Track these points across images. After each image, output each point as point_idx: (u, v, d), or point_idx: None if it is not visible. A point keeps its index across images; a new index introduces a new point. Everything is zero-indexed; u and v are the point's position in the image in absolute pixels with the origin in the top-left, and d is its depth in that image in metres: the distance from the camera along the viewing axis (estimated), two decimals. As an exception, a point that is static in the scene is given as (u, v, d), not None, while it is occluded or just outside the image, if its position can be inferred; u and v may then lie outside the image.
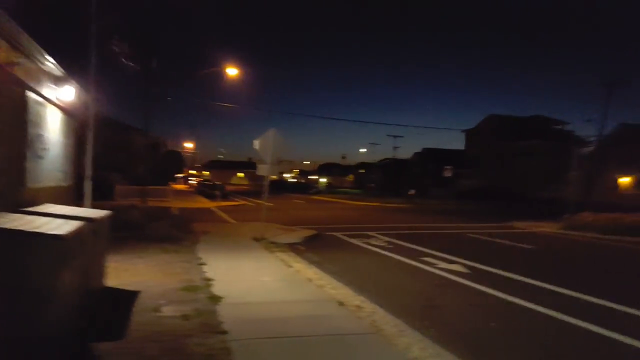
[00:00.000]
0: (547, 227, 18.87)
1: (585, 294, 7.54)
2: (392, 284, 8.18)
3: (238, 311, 5.65)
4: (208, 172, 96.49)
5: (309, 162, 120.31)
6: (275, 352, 4.39)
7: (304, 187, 64.08)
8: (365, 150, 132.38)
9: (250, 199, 37.30)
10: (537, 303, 6.86)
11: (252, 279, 7.56)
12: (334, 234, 14.93)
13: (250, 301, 6.18)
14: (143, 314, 5.34)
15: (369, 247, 12.29)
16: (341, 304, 6.15)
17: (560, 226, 18.73)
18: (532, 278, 8.66)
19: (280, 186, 59.26)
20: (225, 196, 37.34)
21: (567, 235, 17.18)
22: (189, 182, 69.78)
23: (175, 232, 12.40)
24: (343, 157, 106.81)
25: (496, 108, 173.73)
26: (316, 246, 12.12)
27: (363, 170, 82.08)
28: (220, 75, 22.82)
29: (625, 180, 48.15)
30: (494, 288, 7.74)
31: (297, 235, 13.54)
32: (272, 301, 6.24)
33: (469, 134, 61.38)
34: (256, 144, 12.53)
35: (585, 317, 6.19)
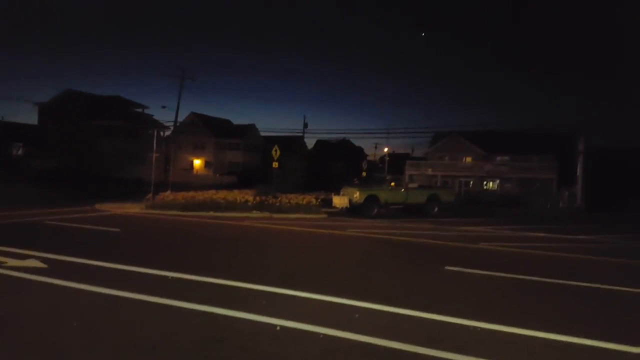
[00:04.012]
0: (131, 208, 19.16)
1: (169, 270, 7.98)
2: None
3: None
4: None
5: None
6: None
7: None
8: None
9: None
10: (119, 288, 6.63)
11: None
12: None
13: None
14: None
15: None
16: None
17: (143, 206, 19.47)
18: (117, 262, 8.43)
19: None
20: None
21: (151, 214, 17.98)
22: None
23: None
24: None
25: (75, 84, 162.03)
26: None
27: None
28: None
29: (197, 163, 55.80)
30: (77, 280, 7.00)
31: None
32: None
33: (44, 108, 54.46)
34: None
35: (161, 292, 6.51)
